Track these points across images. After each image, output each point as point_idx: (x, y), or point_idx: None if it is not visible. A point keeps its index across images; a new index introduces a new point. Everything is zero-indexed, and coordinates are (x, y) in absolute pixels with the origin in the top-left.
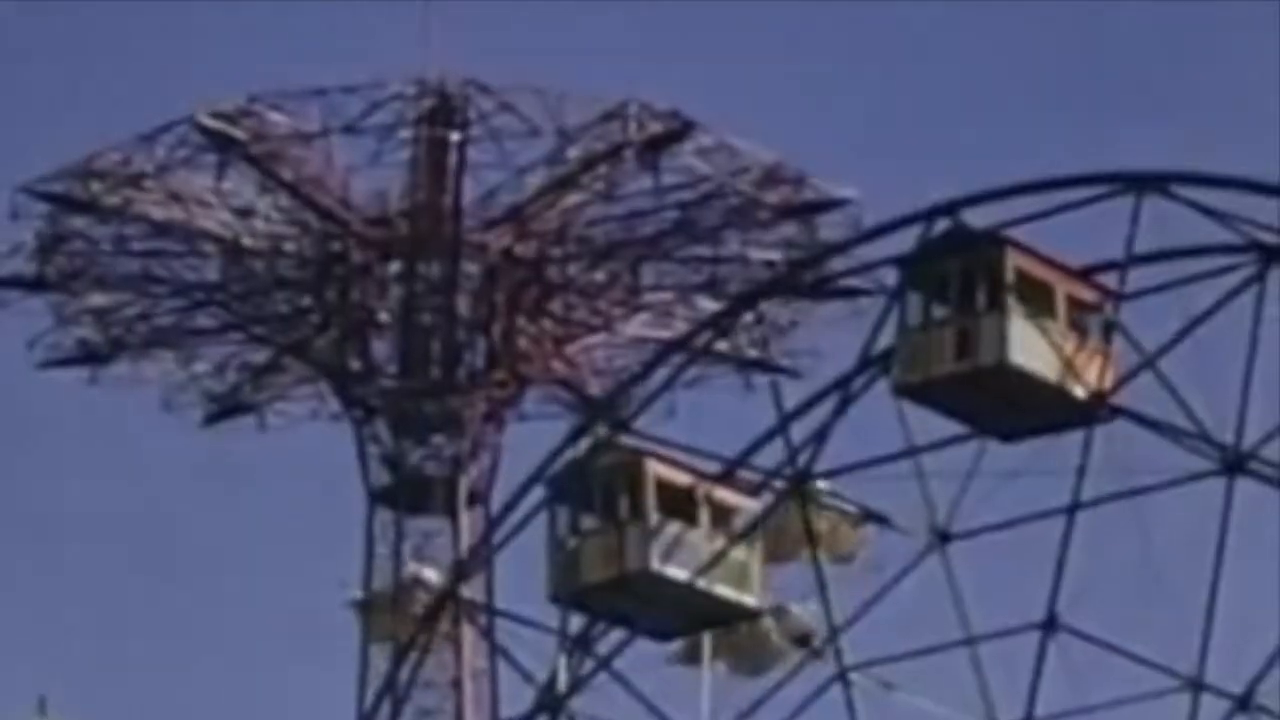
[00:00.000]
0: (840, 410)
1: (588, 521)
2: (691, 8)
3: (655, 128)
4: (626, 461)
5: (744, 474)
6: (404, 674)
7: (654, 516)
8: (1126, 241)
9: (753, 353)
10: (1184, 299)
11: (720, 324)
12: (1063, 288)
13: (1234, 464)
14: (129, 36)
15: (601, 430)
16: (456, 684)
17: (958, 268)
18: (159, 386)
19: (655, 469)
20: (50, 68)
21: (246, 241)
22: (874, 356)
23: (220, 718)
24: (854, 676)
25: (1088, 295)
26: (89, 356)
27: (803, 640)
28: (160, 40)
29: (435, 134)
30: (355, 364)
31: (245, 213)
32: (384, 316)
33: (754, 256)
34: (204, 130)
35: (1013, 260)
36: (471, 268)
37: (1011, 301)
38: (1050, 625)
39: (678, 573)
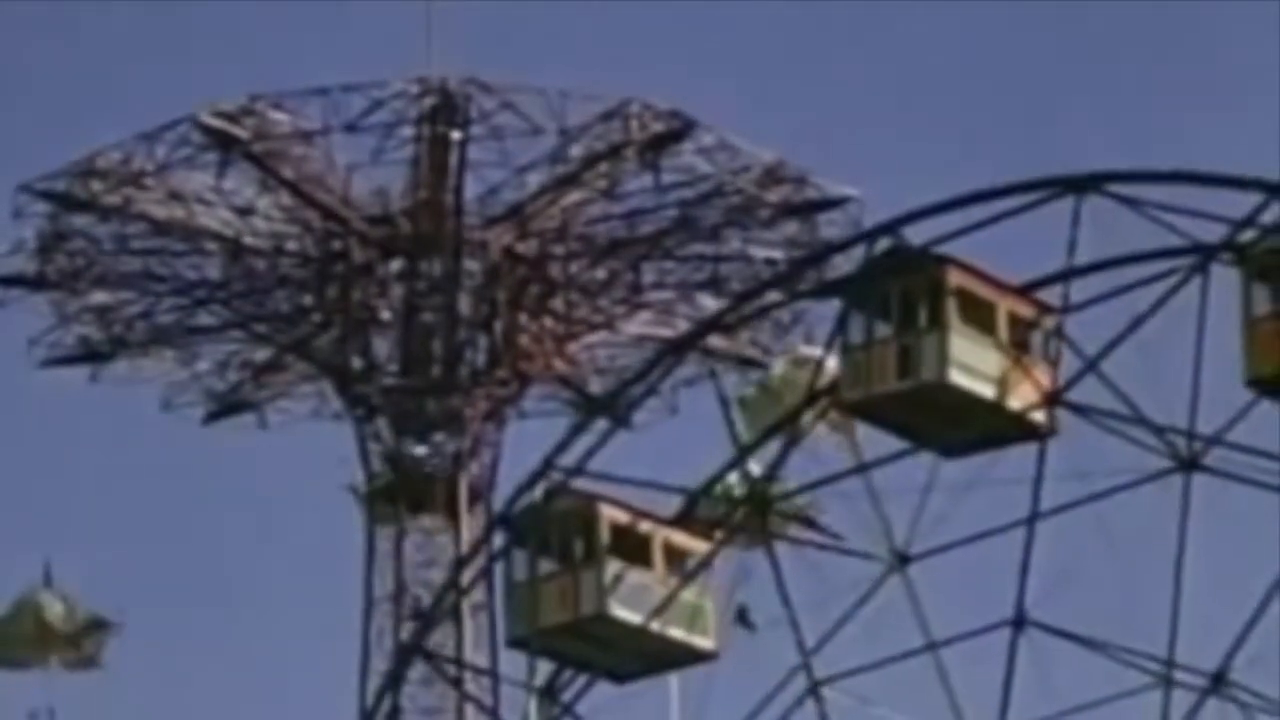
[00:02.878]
0: (791, 444)
1: (544, 566)
2: (692, 7)
3: (656, 126)
4: (581, 507)
5: (702, 506)
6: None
7: (608, 561)
8: (1069, 246)
9: (752, 351)
10: (1130, 304)
11: (720, 323)
12: (1004, 305)
13: (1189, 461)
14: (129, 35)
15: (556, 475)
16: (458, 682)
17: (899, 286)
18: (160, 385)
19: (609, 513)
20: (50, 67)
21: (248, 240)
22: (819, 390)
23: (223, 714)
24: (826, 691)
25: (1030, 311)
26: (90, 355)
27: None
28: (161, 39)
29: (437, 132)
30: (356, 362)
31: (246, 211)
32: (385, 315)
33: (755, 255)
34: (205, 129)
35: (954, 278)
36: (473, 266)
37: (953, 319)
38: (1019, 623)
39: (632, 616)
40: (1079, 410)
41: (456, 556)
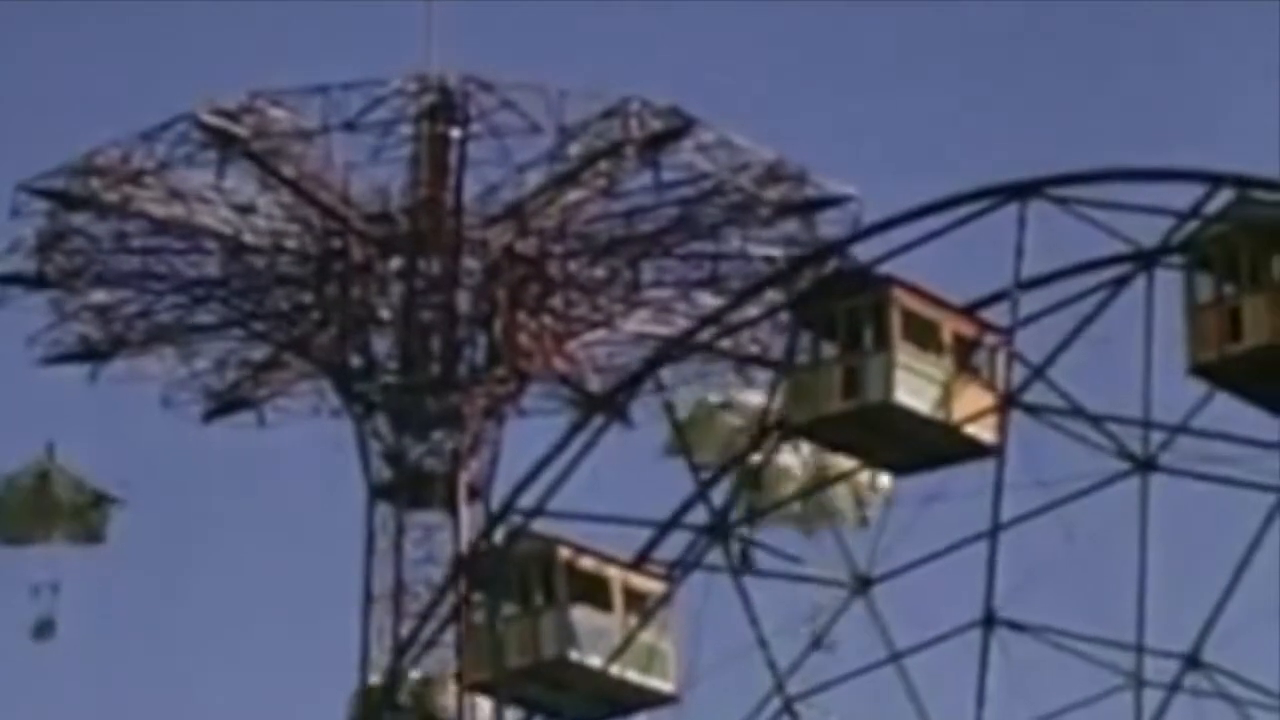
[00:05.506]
0: (748, 479)
1: (504, 610)
2: (692, 5)
3: (655, 125)
4: (540, 550)
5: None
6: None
7: (568, 604)
8: (1016, 252)
9: (752, 349)
10: (1080, 312)
11: (720, 320)
12: (949, 324)
13: (1146, 462)
14: (129, 33)
15: (517, 518)
16: (459, 679)
17: (845, 307)
18: (159, 383)
19: (568, 557)
20: (50, 65)
21: (247, 238)
22: (770, 425)
23: (219, 712)
24: (800, 707)
25: (974, 330)
26: (89, 353)
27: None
28: (161, 37)
29: (436, 131)
30: (356, 360)
31: (246, 209)
32: (385, 313)
33: (754, 253)
34: (205, 127)
35: (899, 299)
36: (472, 264)
37: (898, 340)
38: (989, 622)
39: (591, 659)
40: (1032, 410)
41: (455, 555)
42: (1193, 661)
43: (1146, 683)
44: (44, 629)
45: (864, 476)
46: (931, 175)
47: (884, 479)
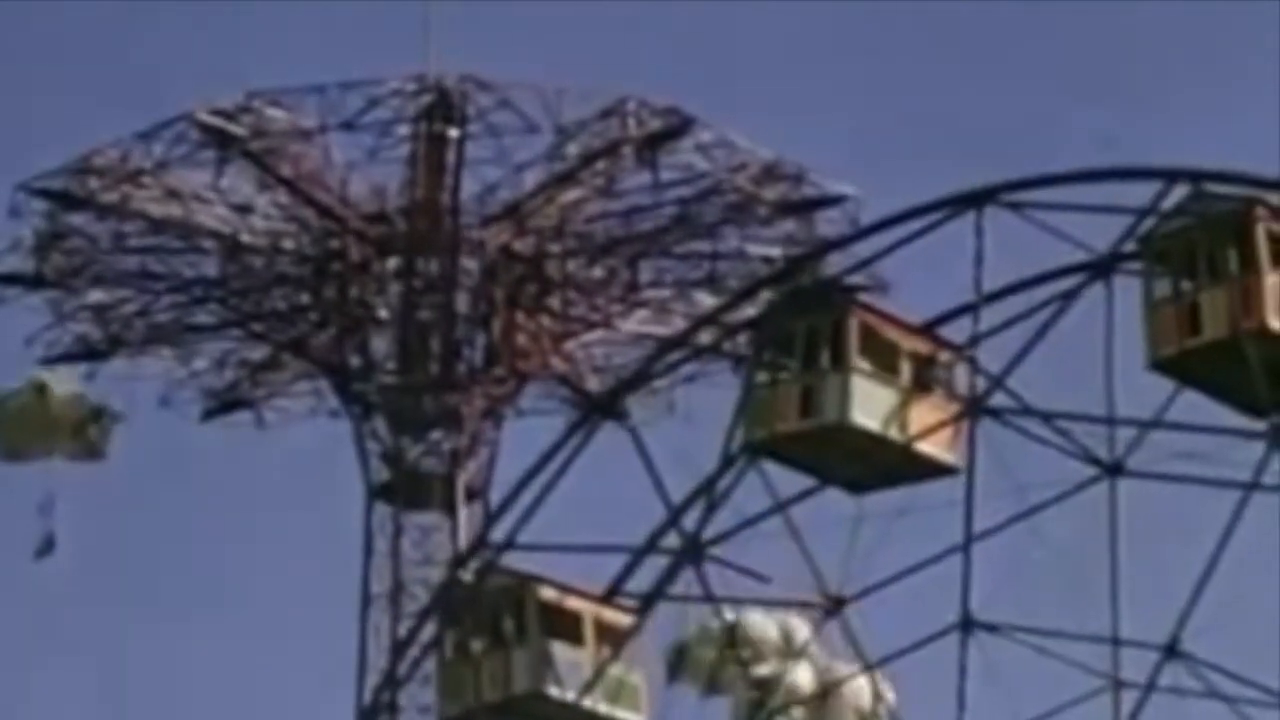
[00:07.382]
0: (711, 511)
1: (477, 645)
2: (690, 4)
3: (654, 124)
4: (512, 585)
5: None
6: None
7: (540, 639)
8: (975, 260)
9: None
10: (1040, 323)
11: (717, 320)
12: (907, 343)
13: (1113, 466)
14: (128, 33)
15: (489, 553)
16: None
17: (804, 325)
18: (158, 383)
19: (540, 592)
20: (49, 64)
21: (245, 238)
22: (733, 454)
23: (219, 711)
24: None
25: (933, 348)
26: (88, 353)
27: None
28: (159, 37)
29: (434, 130)
30: (354, 360)
31: (244, 209)
32: (383, 313)
33: (753, 252)
34: (202, 127)
35: (857, 317)
36: (470, 264)
37: (855, 359)
38: (967, 625)
39: (564, 694)
40: (995, 413)
41: (454, 555)
42: (1170, 651)
43: (1124, 683)
44: (45, 548)
45: (869, 699)
46: (932, 174)
47: (889, 697)
